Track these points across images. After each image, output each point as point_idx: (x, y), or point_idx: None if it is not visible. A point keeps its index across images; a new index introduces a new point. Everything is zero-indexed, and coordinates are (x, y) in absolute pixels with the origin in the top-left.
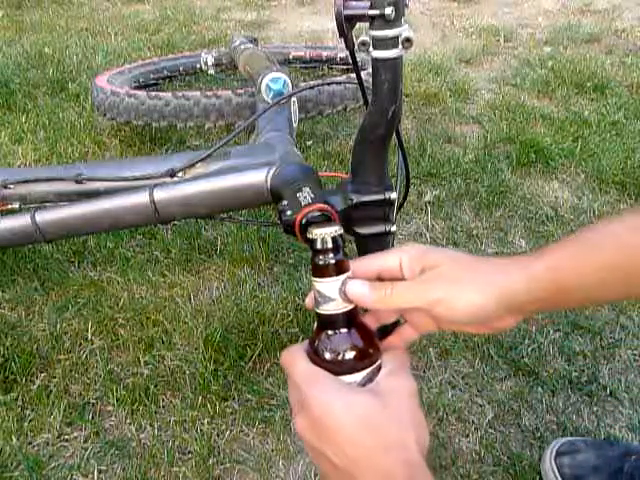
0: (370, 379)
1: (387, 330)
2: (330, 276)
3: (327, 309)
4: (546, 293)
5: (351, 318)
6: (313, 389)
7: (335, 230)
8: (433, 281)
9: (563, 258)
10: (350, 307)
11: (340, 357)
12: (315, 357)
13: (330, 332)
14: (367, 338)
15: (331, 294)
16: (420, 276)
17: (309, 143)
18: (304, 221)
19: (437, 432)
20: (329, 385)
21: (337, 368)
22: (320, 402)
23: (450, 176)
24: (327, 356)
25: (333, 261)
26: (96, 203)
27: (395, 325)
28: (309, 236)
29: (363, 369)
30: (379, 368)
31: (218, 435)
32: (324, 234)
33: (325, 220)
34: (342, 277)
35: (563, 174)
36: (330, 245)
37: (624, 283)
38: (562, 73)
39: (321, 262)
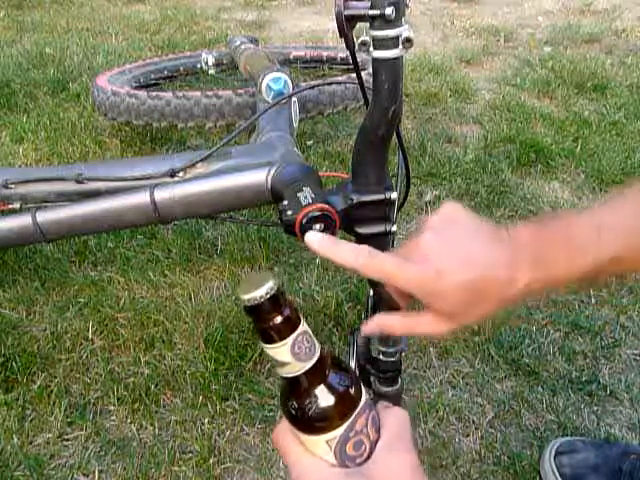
0: (352, 429)
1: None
2: (278, 340)
3: (285, 373)
4: (529, 295)
5: (314, 375)
6: None
7: (270, 287)
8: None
9: (551, 270)
10: (310, 365)
11: (310, 418)
12: (288, 418)
13: (294, 394)
14: (337, 391)
15: (283, 358)
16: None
17: (309, 143)
18: (305, 221)
19: (437, 432)
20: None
21: (311, 428)
22: None
23: (450, 176)
24: (298, 417)
25: (276, 324)
26: (97, 203)
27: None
28: (243, 303)
29: (342, 422)
30: (362, 412)
31: (219, 435)
32: (258, 297)
33: (325, 220)
34: (292, 337)
35: (563, 174)
36: (268, 308)
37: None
38: (562, 73)
39: (263, 327)
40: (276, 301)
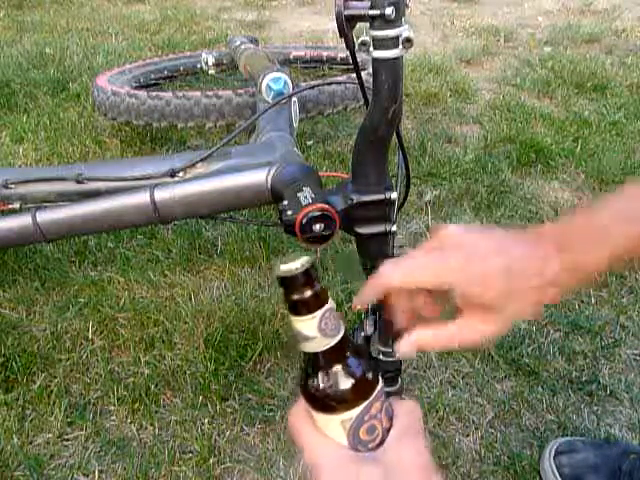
0: (368, 412)
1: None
2: (307, 314)
3: (309, 348)
4: (563, 288)
5: (337, 353)
6: (321, 468)
7: (305, 262)
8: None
9: (579, 256)
10: (334, 342)
11: (332, 397)
12: (306, 396)
13: (315, 371)
14: (356, 372)
15: (310, 332)
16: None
17: (309, 143)
18: (304, 221)
19: (437, 432)
20: (336, 461)
21: (331, 407)
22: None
23: (450, 176)
24: (316, 395)
25: (307, 297)
26: (97, 203)
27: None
28: (276, 273)
29: (359, 404)
30: (378, 397)
31: (219, 435)
32: (292, 271)
33: (325, 220)
34: (320, 312)
35: (563, 174)
36: (301, 280)
37: (632, 258)
38: (562, 73)
39: (294, 299)
40: (309, 275)
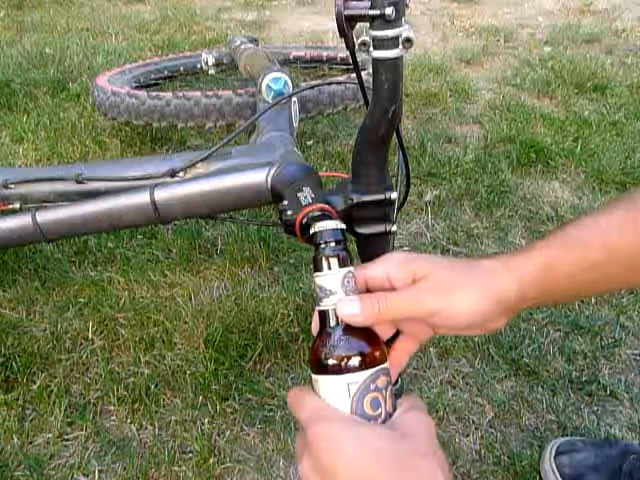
0: (374, 382)
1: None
2: (331, 268)
3: (328, 304)
4: (537, 292)
5: None
6: (318, 426)
7: (336, 224)
8: (428, 291)
9: (552, 258)
10: None
11: (343, 354)
12: (318, 357)
13: (332, 328)
14: (371, 337)
15: (332, 287)
16: (413, 286)
17: (309, 143)
18: (304, 221)
19: (437, 432)
20: (336, 421)
21: (341, 366)
22: (327, 439)
23: (450, 176)
24: (330, 353)
25: (334, 253)
26: (97, 203)
27: (394, 337)
28: (311, 230)
29: (367, 368)
30: (385, 373)
31: (219, 435)
32: (326, 227)
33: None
34: (344, 270)
35: (563, 174)
36: (331, 238)
37: (612, 280)
38: (562, 73)
39: (322, 255)
40: (339, 234)
